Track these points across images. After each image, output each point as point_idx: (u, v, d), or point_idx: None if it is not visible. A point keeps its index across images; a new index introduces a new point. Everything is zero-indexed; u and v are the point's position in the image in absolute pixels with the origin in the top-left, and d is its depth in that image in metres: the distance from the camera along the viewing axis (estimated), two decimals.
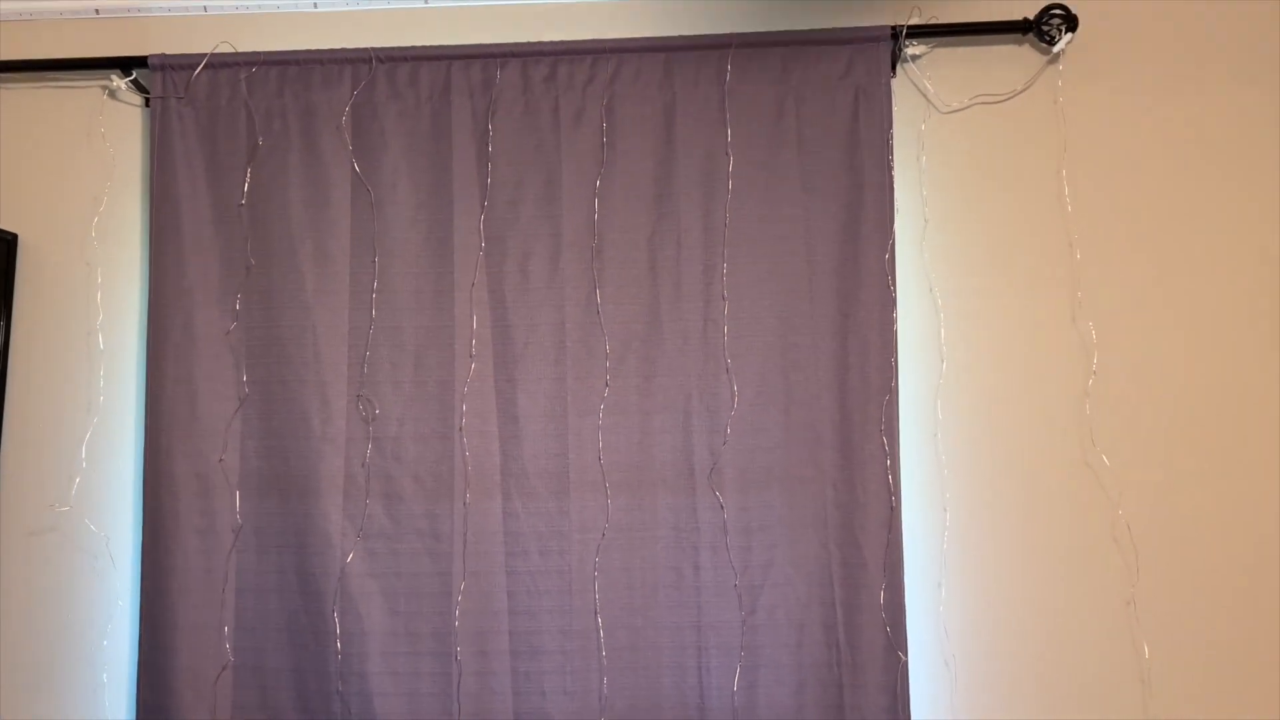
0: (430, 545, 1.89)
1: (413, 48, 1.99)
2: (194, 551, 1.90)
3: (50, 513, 1.96)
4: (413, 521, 1.90)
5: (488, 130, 1.96)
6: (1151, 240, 1.95)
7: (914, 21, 1.96)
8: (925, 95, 2.00)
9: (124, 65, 2.03)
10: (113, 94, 2.07)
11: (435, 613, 1.87)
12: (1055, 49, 1.97)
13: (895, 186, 1.92)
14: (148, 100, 2.03)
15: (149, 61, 2.01)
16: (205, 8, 2.08)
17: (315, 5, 2.08)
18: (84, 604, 1.95)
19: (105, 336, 2.00)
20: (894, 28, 1.94)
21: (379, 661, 1.86)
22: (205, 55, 2.00)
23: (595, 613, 1.87)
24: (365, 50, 1.99)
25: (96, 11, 2.09)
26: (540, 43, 1.98)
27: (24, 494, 1.97)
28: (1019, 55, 2.00)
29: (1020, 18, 1.96)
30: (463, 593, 1.87)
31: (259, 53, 2.00)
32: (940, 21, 1.96)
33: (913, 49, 1.98)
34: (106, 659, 1.93)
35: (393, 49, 1.98)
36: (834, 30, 1.96)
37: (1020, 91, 1.99)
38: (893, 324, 1.88)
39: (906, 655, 1.83)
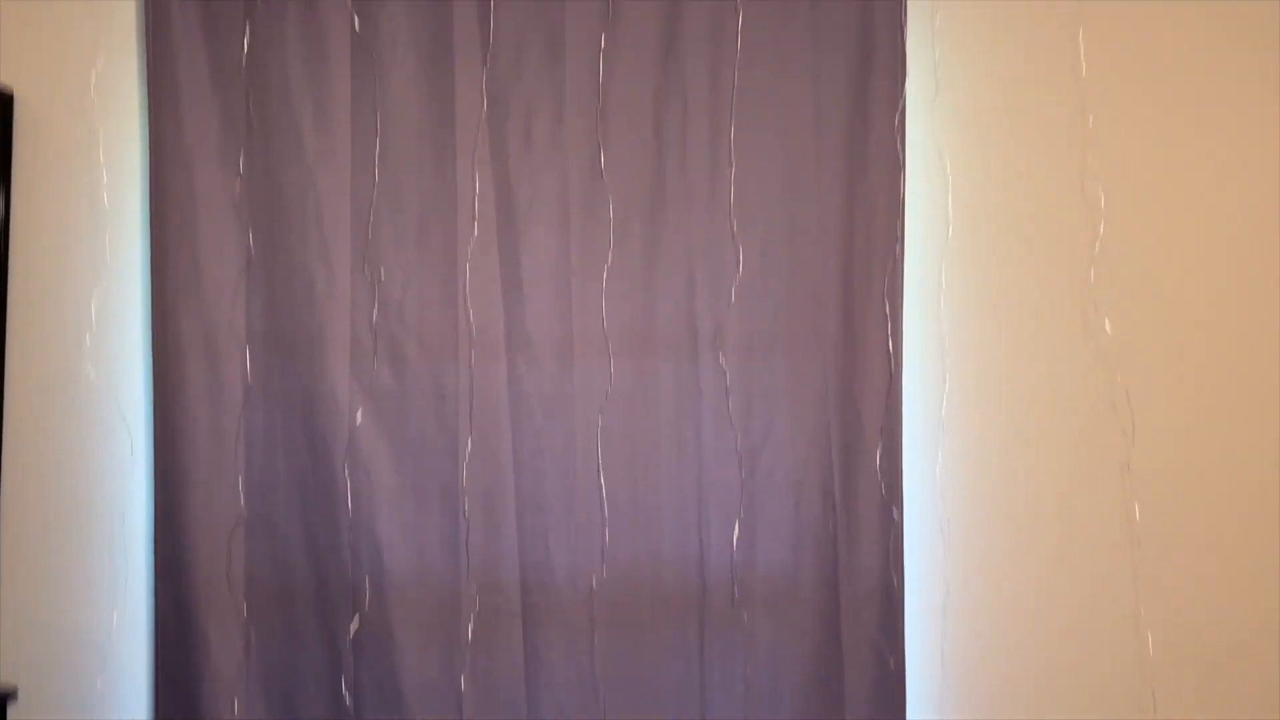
0: (436, 406, 1.92)
1: None
2: (204, 411, 1.92)
3: (60, 374, 1.99)
4: (418, 383, 1.92)
5: None
6: (1165, 106, 1.92)
7: None
8: None
9: None
10: None
11: (442, 471, 1.91)
12: None
13: (907, 47, 1.87)
14: None
15: None
16: None
17: None
18: (98, 462, 1.99)
19: (109, 196, 1.99)
20: None
21: (388, 517, 1.91)
22: None
23: (598, 472, 1.91)
24: None
25: None
26: None
27: (32, 357, 1.99)
28: None
29: None
30: (469, 452, 1.91)
31: None
32: None
33: None
34: (124, 514, 1.98)
35: None
36: None
37: None
38: (900, 188, 1.87)
39: (901, 515, 1.88)
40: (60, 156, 2.00)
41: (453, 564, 1.91)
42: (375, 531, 1.90)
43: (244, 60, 1.93)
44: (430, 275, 1.92)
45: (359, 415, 1.91)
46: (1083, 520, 1.91)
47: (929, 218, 1.93)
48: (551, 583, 1.91)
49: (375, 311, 1.92)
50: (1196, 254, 1.91)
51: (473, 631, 1.89)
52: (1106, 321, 1.90)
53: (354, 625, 1.89)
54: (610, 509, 1.91)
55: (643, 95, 1.91)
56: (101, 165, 1.99)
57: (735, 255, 1.90)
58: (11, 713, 1.73)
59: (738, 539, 1.90)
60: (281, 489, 1.93)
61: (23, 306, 1.99)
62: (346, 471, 1.90)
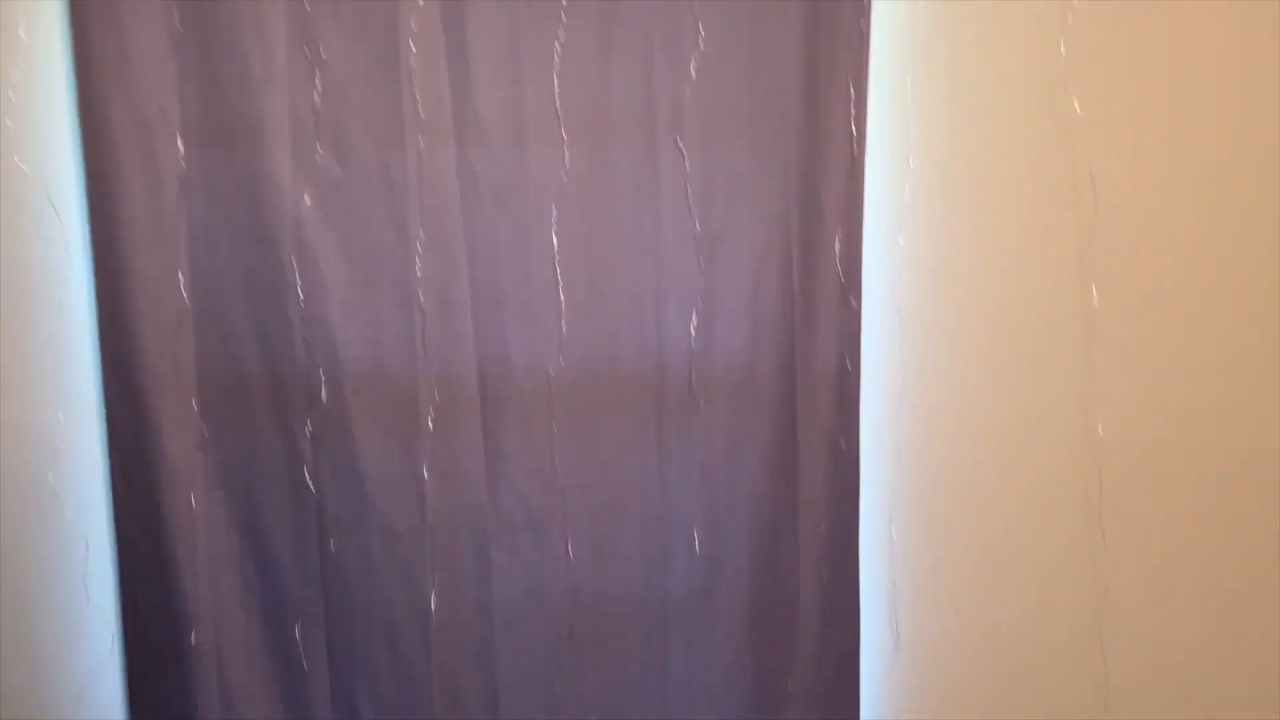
0: (384, 194, 1.85)
1: None
2: (141, 202, 1.84)
3: None
4: (365, 169, 1.84)
5: None
6: None
7: None
8: None
9: None
10: None
11: (394, 262, 1.86)
12: None
13: None
14: None
15: None
16: None
17: None
18: (35, 258, 1.91)
19: None
20: None
21: (340, 309, 1.86)
22: None
23: (554, 262, 1.87)
24: None
25: None
26: None
27: None
28: None
29: None
30: (421, 242, 1.85)
31: None
32: None
33: None
34: (63, 310, 1.92)
35: None
36: None
37: None
38: None
39: (859, 302, 1.87)
40: None
41: (409, 356, 1.88)
42: (328, 323, 1.86)
43: None
44: (370, 53, 1.80)
45: (304, 204, 1.84)
46: (1038, 305, 1.91)
47: None
48: (509, 374, 1.90)
49: (316, 94, 1.82)
50: (1177, 28, 1.83)
51: (433, 423, 1.89)
52: (1075, 100, 1.85)
53: (311, 417, 1.88)
54: (567, 299, 1.88)
55: None
56: None
57: (695, 29, 1.81)
58: None
59: (695, 328, 1.89)
60: (228, 283, 1.87)
61: None
62: (295, 262, 1.85)
